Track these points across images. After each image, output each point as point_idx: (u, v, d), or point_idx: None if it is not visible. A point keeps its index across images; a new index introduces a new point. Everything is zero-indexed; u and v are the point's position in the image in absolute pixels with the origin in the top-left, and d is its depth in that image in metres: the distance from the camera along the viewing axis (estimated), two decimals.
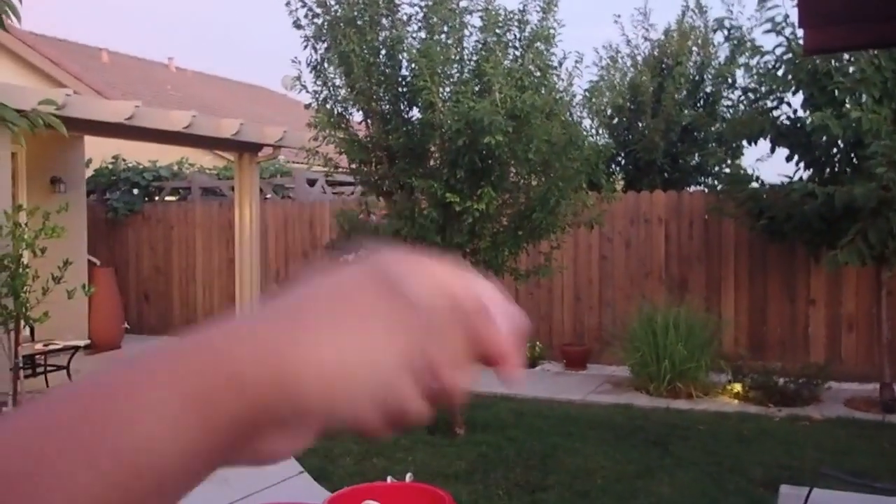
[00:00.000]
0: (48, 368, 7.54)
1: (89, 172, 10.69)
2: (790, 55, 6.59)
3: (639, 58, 10.18)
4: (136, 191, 11.44)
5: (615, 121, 9.98)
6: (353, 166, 6.09)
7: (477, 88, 5.56)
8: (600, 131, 9.55)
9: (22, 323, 5.29)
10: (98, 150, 10.58)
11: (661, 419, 6.48)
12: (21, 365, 5.52)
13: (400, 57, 5.74)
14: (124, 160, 11.63)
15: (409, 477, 3.88)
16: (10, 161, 5.75)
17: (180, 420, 0.36)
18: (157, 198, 11.69)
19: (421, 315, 0.39)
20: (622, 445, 5.74)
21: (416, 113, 5.88)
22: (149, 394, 0.36)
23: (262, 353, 0.38)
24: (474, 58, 5.72)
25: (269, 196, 10.82)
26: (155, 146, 9.83)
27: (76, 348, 7.83)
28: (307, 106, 6.16)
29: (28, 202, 7.15)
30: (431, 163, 5.80)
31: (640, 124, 9.84)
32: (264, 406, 0.37)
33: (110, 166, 11.52)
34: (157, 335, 11.25)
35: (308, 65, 6.04)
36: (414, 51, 5.44)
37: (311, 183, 11.18)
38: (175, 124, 7.00)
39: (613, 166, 9.82)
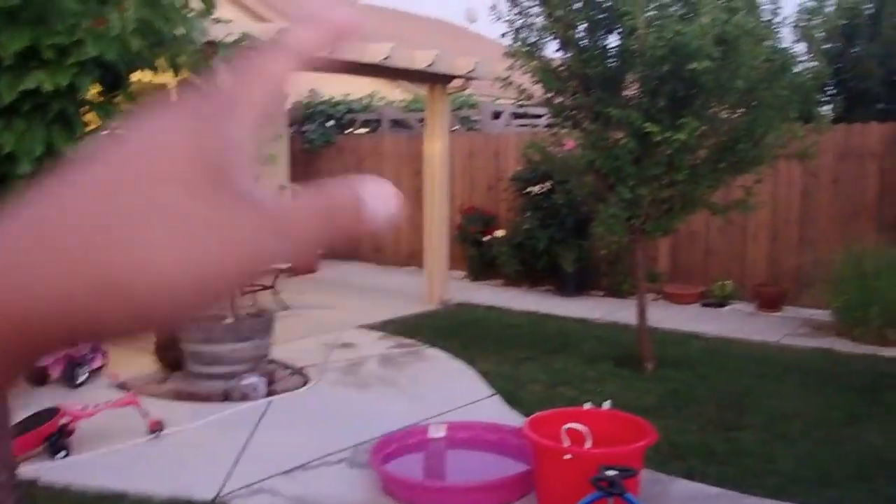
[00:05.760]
0: (255, 287, 8.21)
1: (288, 105, 11.31)
2: None
3: None
4: (330, 123, 12.01)
5: (826, 46, 9.17)
6: (547, 96, 6.03)
7: (680, 13, 5.29)
8: (813, 58, 8.82)
9: None
10: (295, 85, 11.14)
11: (868, 367, 6.08)
12: None
13: None
14: (319, 94, 12.20)
15: (606, 405, 3.92)
16: None
17: None
18: (349, 130, 12.20)
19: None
20: (823, 390, 5.46)
21: (614, 40, 5.71)
22: None
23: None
24: None
25: (455, 128, 10.98)
26: (347, 80, 10.21)
27: (280, 270, 8.45)
28: (502, 35, 6.14)
29: None
30: (630, 92, 5.62)
31: (854, 50, 9.00)
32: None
33: (307, 100, 12.13)
34: (348, 260, 11.91)
35: None
36: None
37: (497, 115, 11.21)
38: (374, 56, 7.22)
39: (821, 96, 9.07)
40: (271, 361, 5.88)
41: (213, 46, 2.86)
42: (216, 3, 2.51)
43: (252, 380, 5.42)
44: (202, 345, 5.52)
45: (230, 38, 2.82)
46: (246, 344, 5.58)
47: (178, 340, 5.73)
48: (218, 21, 2.80)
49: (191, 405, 5.22)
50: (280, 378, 5.77)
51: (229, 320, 5.69)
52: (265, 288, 8.21)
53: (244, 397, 5.34)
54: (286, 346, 6.45)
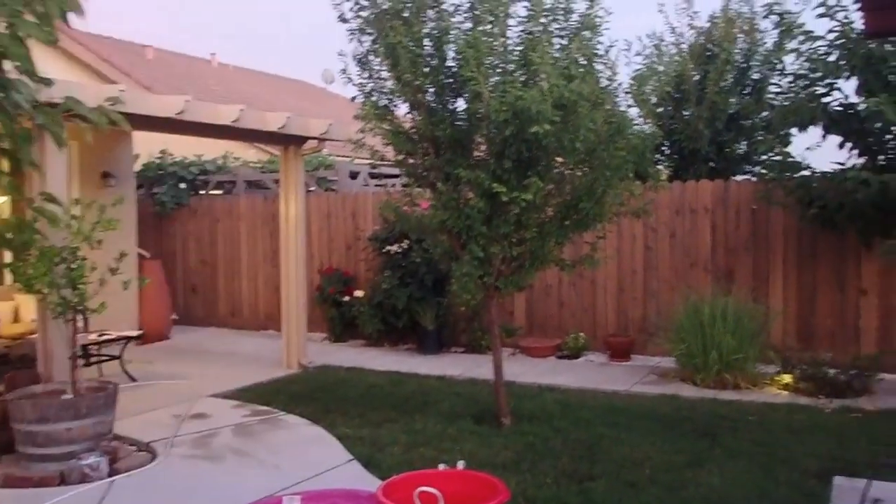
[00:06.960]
0: (102, 358, 7.74)
1: (137, 167, 10.90)
2: (843, 40, 6.46)
3: (683, 46, 10.06)
4: (182, 185, 11.64)
5: (659, 110, 9.89)
6: (399, 158, 6.11)
7: (523, 79, 5.54)
8: (646, 120, 9.47)
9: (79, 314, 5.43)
10: (146, 146, 10.78)
11: (709, 410, 6.42)
12: (78, 354, 5.67)
13: (446, 48, 5.74)
14: (171, 155, 11.83)
15: (460, 465, 3.91)
16: (66, 156, 5.89)
17: None
18: (202, 191, 11.88)
19: None
20: (670, 436, 5.71)
21: (461, 104, 5.89)
22: None
23: None
24: (519, 48, 5.70)
25: (312, 189, 10.92)
26: (200, 141, 9.98)
27: (129, 338, 8.01)
28: (353, 98, 6.20)
29: (81, 196, 7.30)
30: (478, 153, 5.80)
31: (685, 113, 9.75)
32: None
33: (158, 161, 11.73)
34: (203, 326, 11.46)
35: (354, 58, 6.07)
36: (461, 41, 5.44)
37: (354, 175, 11.25)
38: (224, 118, 7.10)
39: (658, 156, 9.74)
40: (115, 438, 5.51)
41: (36, 111, 2.72)
42: (35, 66, 2.39)
43: (92, 459, 5.06)
44: (36, 424, 5.11)
45: (54, 101, 2.69)
46: (86, 421, 5.22)
47: (8, 420, 5.28)
48: (42, 80, 2.67)
49: (21, 492, 4.80)
50: (124, 455, 5.41)
51: (67, 396, 5.32)
52: (112, 358, 7.76)
53: (84, 478, 4.96)
54: (132, 420, 6.09)
